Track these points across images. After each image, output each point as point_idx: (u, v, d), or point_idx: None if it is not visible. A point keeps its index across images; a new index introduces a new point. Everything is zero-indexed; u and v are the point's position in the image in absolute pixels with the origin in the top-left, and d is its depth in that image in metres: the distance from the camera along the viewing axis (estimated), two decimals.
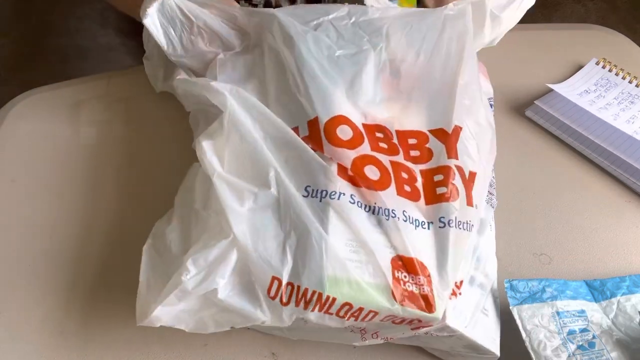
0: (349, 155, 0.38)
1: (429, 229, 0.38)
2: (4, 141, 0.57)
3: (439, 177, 0.40)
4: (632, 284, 0.43)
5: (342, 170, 0.38)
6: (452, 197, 0.39)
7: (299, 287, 0.35)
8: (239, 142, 0.39)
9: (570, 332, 0.39)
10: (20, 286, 0.47)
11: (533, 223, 0.51)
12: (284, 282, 0.35)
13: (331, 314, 0.35)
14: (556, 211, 0.52)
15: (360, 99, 0.42)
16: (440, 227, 0.38)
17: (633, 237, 0.50)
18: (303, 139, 0.39)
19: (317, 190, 0.37)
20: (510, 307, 0.40)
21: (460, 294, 0.38)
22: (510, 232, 0.50)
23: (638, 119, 0.57)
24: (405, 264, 0.36)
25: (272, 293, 0.35)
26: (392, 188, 0.38)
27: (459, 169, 0.41)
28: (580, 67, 0.63)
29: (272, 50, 0.46)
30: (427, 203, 0.39)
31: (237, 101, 0.40)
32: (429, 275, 0.36)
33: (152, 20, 0.46)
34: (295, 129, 0.40)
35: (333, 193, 0.37)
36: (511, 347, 0.40)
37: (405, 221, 0.38)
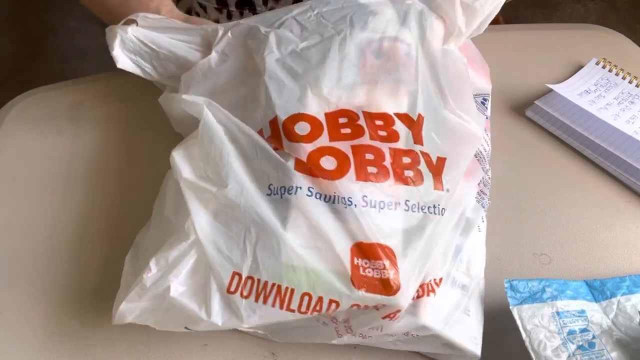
0: (305, 149, 0.39)
1: (395, 209, 0.38)
2: (4, 141, 0.57)
3: (407, 160, 0.40)
4: (632, 284, 0.43)
5: (300, 164, 0.39)
6: (416, 181, 0.39)
7: (258, 280, 0.36)
8: (209, 147, 0.40)
9: (571, 332, 0.39)
10: (20, 286, 0.47)
11: (533, 223, 0.51)
12: (244, 276, 0.36)
13: (293, 310, 0.36)
14: (556, 211, 0.52)
15: (325, 87, 0.42)
16: (405, 209, 0.38)
17: (633, 237, 0.50)
18: (267, 139, 0.41)
19: (278, 187, 0.38)
20: (510, 307, 0.40)
21: (437, 292, 0.39)
22: (510, 232, 0.50)
23: (638, 119, 0.57)
24: (365, 250, 0.37)
25: (233, 288, 0.36)
26: (351, 173, 0.39)
27: (424, 154, 0.41)
28: (580, 67, 0.63)
29: (241, 60, 0.46)
30: (395, 181, 0.39)
31: (210, 110, 0.42)
32: (393, 258, 0.37)
33: (119, 55, 0.48)
34: (260, 131, 0.41)
35: (291, 188, 0.38)
36: (511, 347, 0.40)
37: (365, 206, 0.38)
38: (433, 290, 0.39)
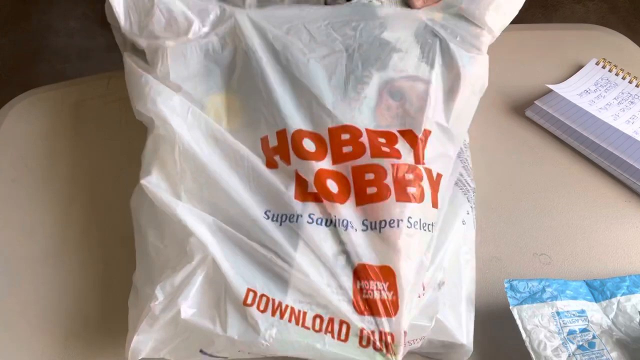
0: (313, 169, 0.40)
1: (398, 226, 0.38)
2: (4, 141, 0.57)
3: (410, 176, 0.40)
4: (632, 284, 0.43)
5: (301, 187, 0.39)
6: (418, 198, 0.39)
7: (273, 299, 0.36)
8: (194, 171, 0.40)
9: (571, 332, 0.39)
10: (20, 286, 0.47)
11: (533, 223, 0.51)
12: (259, 293, 0.37)
13: (308, 328, 0.36)
14: (556, 211, 0.52)
15: (328, 102, 0.42)
16: (407, 226, 0.38)
17: (633, 237, 0.50)
18: (272, 148, 0.41)
19: (277, 214, 0.39)
20: (510, 307, 0.40)
21: (423, 295, 0.39)
22: (510, 232, 0.50)
23: (638, 119, 0.57)
24: (366, 273, 0.37)
25: (249, 301, 0.36)
26: (352, 198, 0.39)
27: (427, 170, 0.41)
28: (580, 67, 0.63)
29: (241, 51, 0.45)
30: (397, 199, 0.39)
31: (188, 127, 0.41)
32: (393, 279, 0.37)
33: None
34: (265, 138, 0.41)
35: (292, 216, 0.39)
36: (511, 347, 0.40)
37: (366, 230, 0.38)
38: (419, 296, 0.39)
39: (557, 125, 0.57)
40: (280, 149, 0.41)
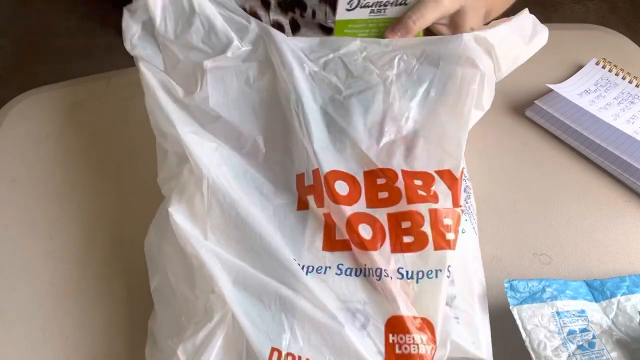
0: (345, 213, 0.38)
1: (437, 277, 0.36)
2: (4, 141, 0.57)
3: (448, 222, 0.37)
4: (632, 284, 0.43)
5: (330, 235, 0.38)
6: (453, 245, 0.37)
7: (299, 357, 0.34)
8: (222, 207, 0.38)
9: (570, 332, 0.39)
10: (20, 286, 0.47)
11: (533, 223, 0.51)
12: (284, 352, 0.34)
13: None
14: (556, 211, 0.52)
15: (363, 144, 0.40)
16: (447, 276, 0.36)
17: (633, 237, 0.50)
18: (307, 187, 0.39)
19: (303, 265, 0.37)
20: (510, 307, 0.40)
21: None
22: (510, 232, 0.50)
23: (638, 119, 0.57)
24: (401, 325, 0.35)
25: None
26: (386, 245, 0.37)
27: (458, 215, 0.39)
28: (580, 67, 0.63)
29: (280, 79, 0.43)
30: (435, 248, 0.37)
31: (218, 162, 0.40)
32: (431, 333, 0.34)
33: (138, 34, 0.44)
34: (301, 175, 0.40)
35: (320, 268, 0.37)
36: (511, 347, 0.40)
37: (402, 278, 0.36)
38: None
39: (557, 125, 0.57)
40: (315, 189, 0.39)
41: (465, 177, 0.46)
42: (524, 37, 0.46)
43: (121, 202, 0.52)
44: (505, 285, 0.42)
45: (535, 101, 0.59)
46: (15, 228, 0.51)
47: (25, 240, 0.50)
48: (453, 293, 0.38)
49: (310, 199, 0.39)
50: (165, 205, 0.41)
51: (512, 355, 0.41)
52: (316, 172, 0.39)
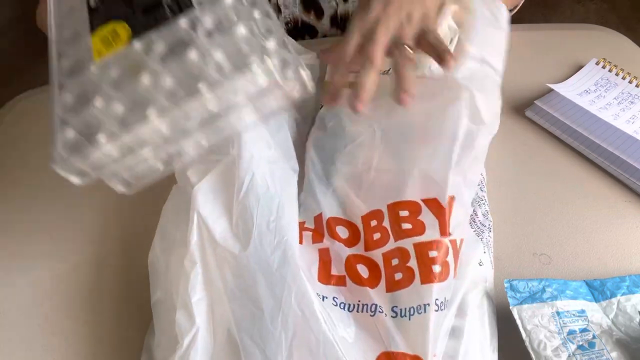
0: (345, 251, 0.40)
1: (425, 311, 0.36)
2: (4, 141, 0.57)
3: (433, 254, 0.38)
4: (632, 284, 0.43)
5: (323, 273, 0.39)
6: (443, 276, 0.37)
7: None
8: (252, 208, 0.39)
9: (571, 332, 0.39)
10: (20, 286, 0.47)
11: (533, 223, 0.51)
12: None
13: None
14: (556, 211, 0.52)
15: (364, 190, 0.42)
16: (435, 310, 0.36)
17: (633, 237, 0.50)
18: (308, 229, 0.41)
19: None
20: (510, 307, 0.40)
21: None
22: (510, 232, 0.50)
23: (638, 119, 0.57)
24: None
25: None
26: (382, 284, 0.38)
27: (452, 243, 0.39)
28: (580, 67, 0.63)
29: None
30: (422, 282, 0.37)
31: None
32: None
33: None
34: (302, 223, 0.42)
35: (317, 295, 0.37)
36: (511, 347, 0.40)
37: (395, 316, 0.37)
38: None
39: (557, 125, 0.57)
40: (316, 229, 0.41)
41: (487, 212, 0.46)
42: (491, 21, 0.46)
43: (121, 201, 0.52)
44: (505, 285, 0.42)
45: (535, 101, 0.59)
46: (15, 228, 0.51)
47: (25, 240, 0.50)
48: (461, 326, 0.38)
49: (307, 234, 0.41)
50: (166, 217, 0.42)
51: (512, 355, 0.41)
52: (318, 218, 0.42)
